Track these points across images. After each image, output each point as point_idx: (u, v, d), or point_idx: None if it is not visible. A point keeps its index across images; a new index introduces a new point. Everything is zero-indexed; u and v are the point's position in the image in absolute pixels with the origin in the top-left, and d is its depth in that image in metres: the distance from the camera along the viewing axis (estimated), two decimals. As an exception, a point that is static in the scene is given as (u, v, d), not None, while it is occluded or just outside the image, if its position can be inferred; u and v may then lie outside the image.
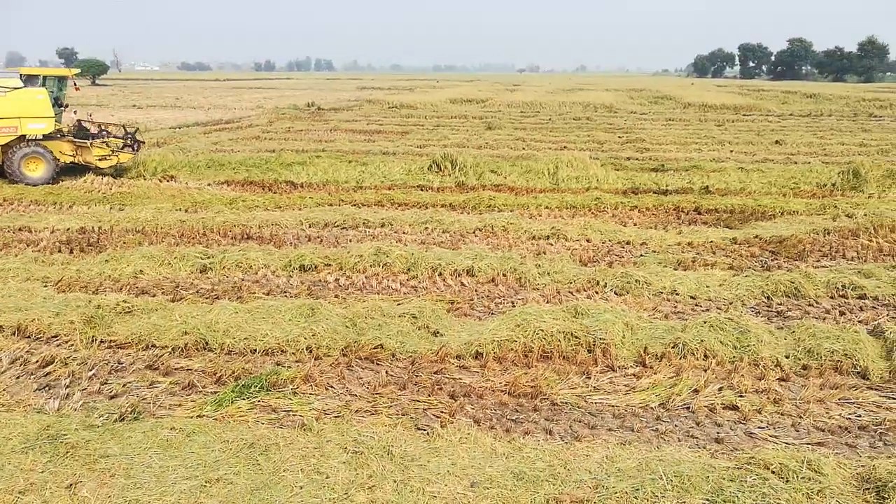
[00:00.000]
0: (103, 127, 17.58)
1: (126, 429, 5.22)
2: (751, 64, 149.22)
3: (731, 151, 22.37)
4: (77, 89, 17.38)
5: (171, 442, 5.04)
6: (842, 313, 8.03)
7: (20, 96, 15.34)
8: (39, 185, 15.16)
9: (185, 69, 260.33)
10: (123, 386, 6.07)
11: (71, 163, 16.18)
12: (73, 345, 6.83)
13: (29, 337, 7.01)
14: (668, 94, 56.02)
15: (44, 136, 15.69)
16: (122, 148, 16.58)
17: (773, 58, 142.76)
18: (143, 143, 17.81)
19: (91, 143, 16.12)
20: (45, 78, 16.45)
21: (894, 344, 6.76)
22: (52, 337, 7.01)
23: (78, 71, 18.50)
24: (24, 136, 15.35)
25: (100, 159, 16.08)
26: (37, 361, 6.46)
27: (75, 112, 18.39)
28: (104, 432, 5.15)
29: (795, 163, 19.74)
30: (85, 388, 6.02)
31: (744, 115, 39.00)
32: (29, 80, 16.11)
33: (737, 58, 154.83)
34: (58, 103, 16.19)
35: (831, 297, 8.52)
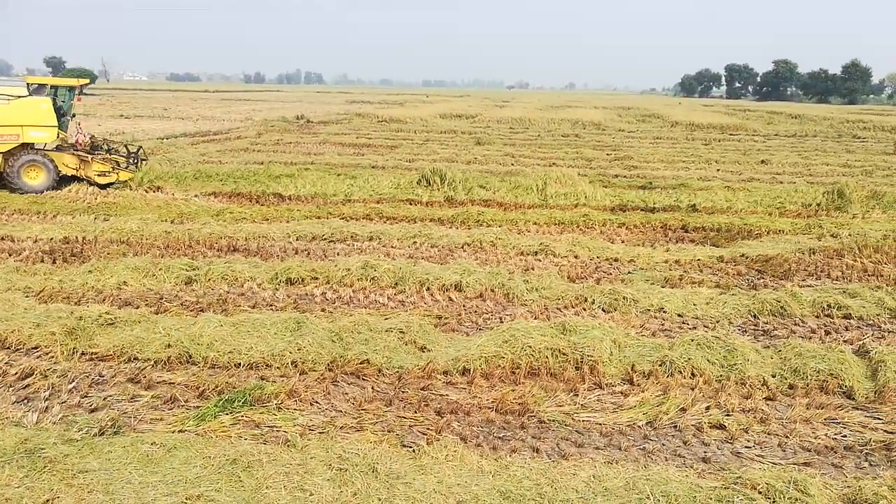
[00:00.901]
0: (108, 143, 17.73)
1: (106, 443, 5.13)
2: (737, 84, 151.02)
3: (718, 170, 22.56)
4: (79, 100, 17.48)
5: (152, 457, 4.95)
6: (827, 332, 8.07)
7: (23, 105, 15.47)
8: (36, 193, 15.29)
9: (174, 80, 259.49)
10: (104, 399, 5.97)
11: (72, 175, 16.20)
12: (53, 357, 6.72)
13: (8, 348, 6.89)
14: (656, 112, 56.56)
15: (56, 147, 16.06)
16: (125, 167, 16.75)
17: (758, 78, 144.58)
18: (146, 160, 17.97)
19: (91, 159, 16.18)
20: (53, 87, 16.50)
21: (879, 364, 6.79)
22: (33, 348, 6.90)
23: (88, 81, 18.52)
24: (26, 143, 15.51)
25: (98, 175, 16.15)
26: (16, 373, 6.34)
27: (79, 124, 18.39)
28: (83, 446, 5.05)
29: (781, 182, 19.94)
30: (65, 401, 5.91)
31: (730, 134, 39.40)
32: (38, 89, 16.10)
33: (723, 78, 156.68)
34: (60, 112, 16.20)
35: (817, 317, 8.57)
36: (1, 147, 15.36)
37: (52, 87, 16.32)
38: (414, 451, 5.22)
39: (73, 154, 16.27)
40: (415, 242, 11.73)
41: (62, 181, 16.18)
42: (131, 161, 17.01)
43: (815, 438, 5.66)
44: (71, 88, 16.93)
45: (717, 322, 8.29)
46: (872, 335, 7.94)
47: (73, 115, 17.40)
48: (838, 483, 4.93)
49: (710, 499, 4.56)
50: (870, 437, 5.67)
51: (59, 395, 6.01)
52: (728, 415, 5.95)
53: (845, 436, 5.73)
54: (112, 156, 16.81)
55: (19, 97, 15.52)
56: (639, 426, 5.81)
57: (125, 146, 17.61)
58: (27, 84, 16.17)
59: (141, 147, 17.98)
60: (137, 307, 8.16)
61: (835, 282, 10.01)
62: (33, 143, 15.70)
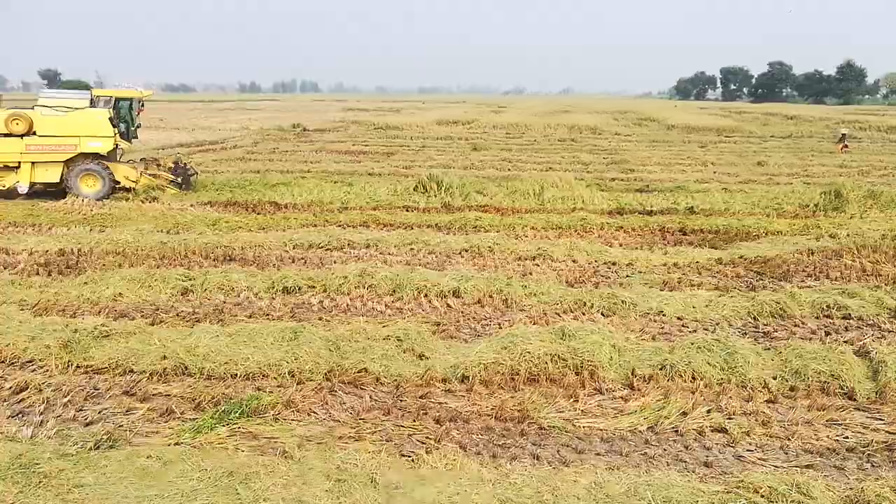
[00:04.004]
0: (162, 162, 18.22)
1: (101, 457, 5.08)
2: (732, 86, 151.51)
3: (715, 172, 22.59)
4: (141, 111, 17.98)
5: (148, 471, 4.90)
6: (827, 333, 8.03)
7: (80, 116, 15.99)
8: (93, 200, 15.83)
9: (169, 91, 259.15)
10: (99, 412, 5.91)
11: (132, 188, 16.58)
12: (48, 370, 6.66)
13: (3, 362, 6.83)
14: (652, 115, 56.64)
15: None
16: (171, 183, 17.24)
17: (753, 80, 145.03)
18: (196, 174, 18.24)
19: (141, 173, 16.73)
20: (128, 100, 17.03)
21: (880, 364, 6.76)
22: (27, 362, 6.84)
23: (151, 92, 18.85)
24: (83, 153, 16.09)
25: (144, 189, 16.59)
26: (10, 387, 6.29)
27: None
28: (78, 461, 5.00)
29: (778, 184, 19.96)
30: (59, 415, 5.85)
31: (726, 136, 39.47)
32: (104, 101, 16.43)
33: (718, 80, 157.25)
34: (113, 123, 16.44)
35: (816, 318, 8.53)
36: (61, 156, 15.99)
37: (115, 98, 16.72)
38: (413, 460, 5.17)
39: (133, 167, 16.79)
40: (412, 249, 11.69)
41: (55, 192, 16.33)
42: (177, 180, 17.38)
43: (817, 440, 5.63)
44: (137, 100, 17.52)
45: (717, 324, 8.25)
46: (872, 335, 7.91)
47: (139, 126, 18.00)
48: (841, 485, 4.88)
49: (713, 503, 4.51)
50: (872, 438, 5.63)
51: (53, 409, 5.95)
52: (729, 418, 5.91)
53: (847, 437, 5.69)
54: (161, 173, 17.31)
55: (77, 109, 15.95)
56: (640, 431, 5.76)
57: (179, 163, 17.93)
58: (91, 95, 16.53)
59: (188, 165, 18.21)
60: (133, 319, 8.10)
61: (834, 282, 9.98)
62: (92, 153, 16.13)
